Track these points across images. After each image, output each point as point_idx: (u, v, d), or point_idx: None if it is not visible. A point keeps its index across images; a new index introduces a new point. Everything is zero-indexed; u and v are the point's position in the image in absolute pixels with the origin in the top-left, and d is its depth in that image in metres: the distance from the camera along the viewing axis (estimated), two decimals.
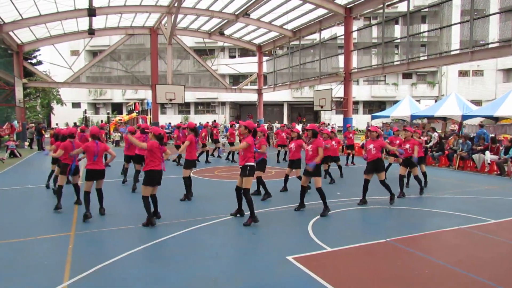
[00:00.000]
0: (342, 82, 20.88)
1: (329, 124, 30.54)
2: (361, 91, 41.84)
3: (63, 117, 41.13)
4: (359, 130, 33.81)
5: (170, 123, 33.60)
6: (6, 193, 9.39)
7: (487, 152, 13.16)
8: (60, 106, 39.28)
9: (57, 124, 35.93)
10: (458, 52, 14.78)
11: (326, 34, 23.27)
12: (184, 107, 43.70)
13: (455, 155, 14.05)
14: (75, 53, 36.62)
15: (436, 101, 34.55)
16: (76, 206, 7.74)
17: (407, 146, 8.97)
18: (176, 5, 19.78)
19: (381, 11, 18.39)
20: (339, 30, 21.88)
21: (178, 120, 38.79)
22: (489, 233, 6.09)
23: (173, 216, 7.00)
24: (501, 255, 5.25)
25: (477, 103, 27.92)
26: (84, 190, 6.78)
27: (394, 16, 19.02)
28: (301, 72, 24.90)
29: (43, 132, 22.13)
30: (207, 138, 16.60)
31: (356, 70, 20.42)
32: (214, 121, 27.24)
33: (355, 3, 19.27)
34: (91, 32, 20.24)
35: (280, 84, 27.69)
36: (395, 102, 29.10)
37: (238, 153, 16.60)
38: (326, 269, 4.69)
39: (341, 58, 21.29)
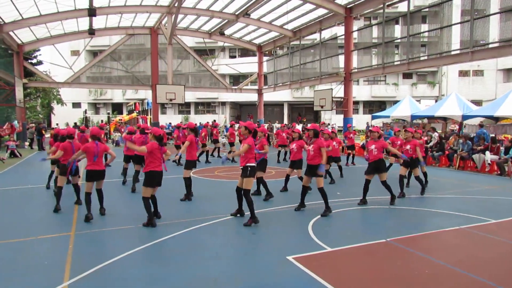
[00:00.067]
0: (342, 82, 20.88)
1: (329, 124, 30.55)
2: (362, 91, 41.83)
3: (64, 117, 41.15)
4: (359, 130, 33.79)
5: (170, 123, 33.60)
6: (6, 193, 9.39)
7: (487, 152, 13.16)
8: (60, 106, 39.30)
9: (57, 124, 35.93)
10: (458, 52, 14.78)
11: (327, 34, 23.27)
12: (184, 107, 43.71)
13: (455, 155, 14.05)
14: (75, 53, 36.65)
15: (436, 101, 34.55)
16: (76, 206, 7.75)
17: (408, 147, 8.98)
18: (176, 5, 19.78)
19: (381, 11, 18.39)
20: (340, 30, 21.88)
21: (179, 120, 38.78)
22: (489, 233, 6.09)
23: (173, 216, 7.00)
24: (501, 255, 5.25)
25: (477, 103, 27.90)
26: (85, 192, 6.75)
27: (394, 16, 19.01)
28: (301, 72, 24.90)
29: (43, 132, 22.14)
30: (207, 138, 16.60)
31: (356, 70, 20.42)
32: (214, 121, 27.25)
33: (355, 3, 19.26)
34: (91, 32, 20.25)
35: (281, 84, 27.70)
36: (396, 102, 29.10)
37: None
38: (326, 269, 4.69)
39: (342, 58, 21.29)
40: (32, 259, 5.01)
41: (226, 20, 23.85)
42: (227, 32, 26.33)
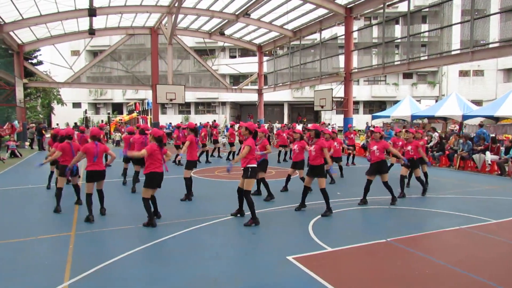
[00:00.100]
0: (342, 82, 20.87)
1: (329, 124, 30.54)
2: (362, 91, 41.82)
3: (64, 117, 41.15)
4: (359, 130, 33.78)
5: (170, 123, 33.59)
6: (7, 193, 9.39)
7: (488, 153, 13.15)
8: (60, 106, 39.30)
9: (57, 124, 35.96)
10: (458, 52, 14.77)
11: (327, 34, 23.26)
12: (184, 107, 43.71)
13: (455, 155, 14.04)
14: (75, 53, 36.66)
15: (436, 101, 34.53)
16: (76, 206, 7.75)
17: (409, 147, 8.97)
18: (176, 5, 19.79)
19: (381, 11, 18.38)
20: (340, 30, 21.88)
21: (179, 120, 38.78)
22: (489, 233, 6.09)
23: (174, 216, 7.00)
24: (501, 255, 5.25)
25: (478, 103, 27.89)
26: (86, 193, 6.67)
27: (394, 16, 19.01)
28: (301, 72, 24.89)
29: (43, 132, 22.15)
30: (207, 138, 16.60)
31: (356, 70, 20.41)
32: (214, 121, 27.25)
33: (356, 3, 19.26)
34: (91, 32, 20.26)
35: (281, 84, 27.70)
36: (396, 102, 29.08)
37: (238, 154, 16.66)
38: (327, 269, 4.69)
39: (342, 58, 21.29)
40: (32, 259, 5.01)
41: (226, 20, 23.85)
42: (227, 32, 26.33)
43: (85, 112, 38.44)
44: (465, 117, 17.11)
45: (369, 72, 20.21)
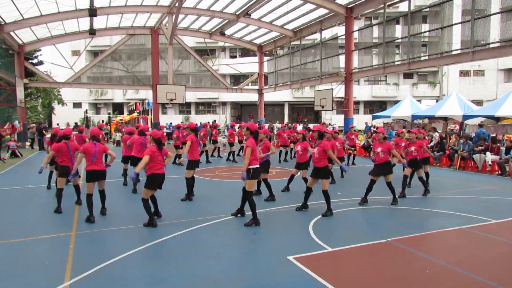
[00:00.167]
0: (343, 82, 20.87)
1: (330, 124, 30.52)
2: (362, 91, 41.79)
3: (64, 117, 41.15)
4: (359, 131, 33.76)
5: (171, 123, 33.56)
6: (7, 193, 9.40)
7: (488, 153, 13.13)
8: (61, 106, 39.33)
9: (57, 124, 35.93)
10: (459, 52, 14.77)
11: (327, 34, 23.27)
12: (185, 107, 43.71)
13: (456, 155, 14.03)
14: (76, 53, 36.65)
15: (437, 101, 34.47)
16: (77, 206, 7.75)
17: (413, 148, 8.97)
18: (177, 5, 19.79)
19: (382, 11, 18.38)
20: (340, 30, 21.89)
21: (179, 120, 38.78)
22: (490, 233, 6.08)
23: (174, 216, 7.00)
24: (502, 255, 5.25)
25: (478, 103, 27.86)
26: (86, 193, 6.63)
27: (395, 16, 19.01)
28: (302, 72, 24.89)
29: (44, 132, 22.15)
30: (207, 138, 16.59)
31: (357, 70, 20.41)
32: (214, 121, 27.24)
33: (356, 3, 19.26)
34: (92, 32, 20.27)
35: (281, 84, 27.70)
36: (396, 102, 29.05)
37: (239, 154, 16.68)
38: (327, 269, 4.69)
39: (342, 58, 21.29)
40: (33, 259, 5.01)
41: (227, 20, 23.86)
42: (228, 32, 26.34)
43: (86, 112, 38.42)
44: (466, 117, 17.09)
45: (370, 72, 20.21)
